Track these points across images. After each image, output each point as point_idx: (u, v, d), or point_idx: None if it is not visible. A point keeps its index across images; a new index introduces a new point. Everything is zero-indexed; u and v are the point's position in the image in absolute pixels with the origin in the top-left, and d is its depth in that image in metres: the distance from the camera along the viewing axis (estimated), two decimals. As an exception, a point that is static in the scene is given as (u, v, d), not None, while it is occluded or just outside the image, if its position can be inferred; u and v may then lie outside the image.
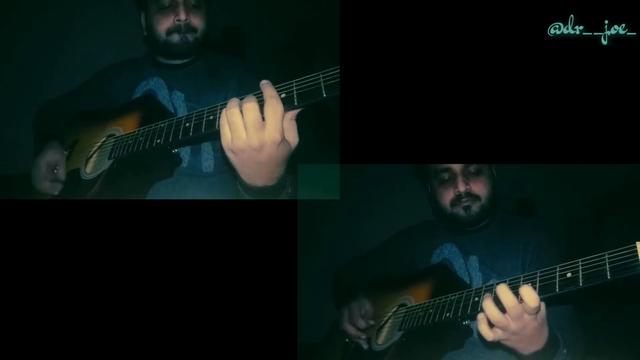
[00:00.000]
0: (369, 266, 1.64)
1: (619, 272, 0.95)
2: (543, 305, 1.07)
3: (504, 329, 1.06)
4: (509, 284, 1.08)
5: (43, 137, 1.46)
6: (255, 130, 0.94)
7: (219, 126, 1.02)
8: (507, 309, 1.05)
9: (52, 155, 1.38)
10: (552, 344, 1.14)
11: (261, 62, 1.55)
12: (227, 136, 0.97)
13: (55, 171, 1.37)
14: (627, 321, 2.08)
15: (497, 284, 1.15)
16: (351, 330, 1.46)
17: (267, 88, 0.97)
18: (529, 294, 1.04)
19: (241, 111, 0.96)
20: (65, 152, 1.40)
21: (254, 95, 0.98)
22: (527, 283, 1.07)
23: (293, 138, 1.00)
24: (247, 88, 1.34)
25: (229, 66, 1.47)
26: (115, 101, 1.43)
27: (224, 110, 0.98)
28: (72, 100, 1.53)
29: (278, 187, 1.06)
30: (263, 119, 0.96)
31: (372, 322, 1.45)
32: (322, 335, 1.61)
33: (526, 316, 1.05)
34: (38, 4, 2.02)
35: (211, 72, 1.45)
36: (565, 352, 1.17)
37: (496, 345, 1.27)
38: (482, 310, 1.08)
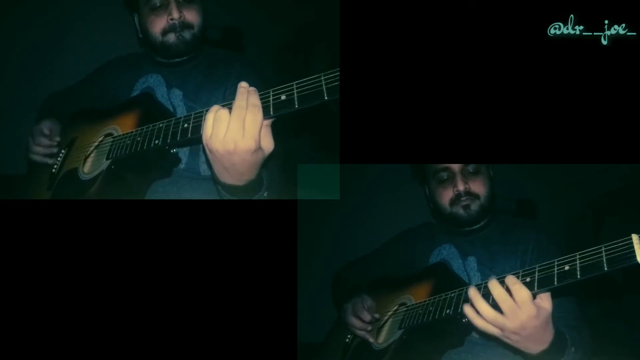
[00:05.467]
0: (368, 268, 1.64)
1: (615, 264, 0.97)
2: (548, 302, 1.07)
3: (501, 327, 1.06)
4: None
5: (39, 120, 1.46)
6: (233, 135, 0.97)
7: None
8: (499, 304, 1.05)
9: (47, 123, 1.40)
10: (559, 342, 1.13)
11: (260, 59, 1.53)
12: (207, 133, 1.00)
13: (49, 134, 1.38)
14: (628, 320, 2.09)
15: (499, 279, 1.15)
16: (356, 323, 1.45)
17: (252, 96, 0.99)
18: (513, 283, 1.05)
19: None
20: (63, 150, 1.40)
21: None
22: (525, 277, 1.07)
23: (268, 145, 1.02)
24: None
25: (228, 62, 1.45)
26: (114, 97, 1.42)
27: (209, 113, 1.01)
28: (73, 95, 1.53)
29: (248, 189, 1.09)
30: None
31: (377, 316, 1.45)
32: (322, 335, 1.61)
33: (522, 315, 1.04)
34: (37, 4, 2.02)
35: (210, 69, 1.44)
36: (573, 350, 1.17)
37: (499, 343, 1.27)
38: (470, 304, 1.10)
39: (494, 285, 1.06)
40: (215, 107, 1.01)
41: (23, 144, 1.44)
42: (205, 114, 1.03)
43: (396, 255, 1.59)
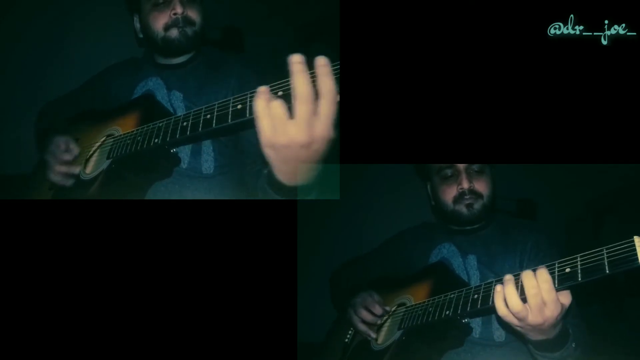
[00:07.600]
0: (367, 267, 1.64)
1: (617, 266, 0.96)
2: (567, 299, 1.06)
3: (522, 319, 1.05)
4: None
5: (44, 137, 1.45)
6: (307, 125, 0.84)
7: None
8: (528, 297, 1.03)
9: (60, 140, 1.33)
10: (562, 336, 1.13)
11: (260, 59, 1.53)
12: (267, 130, 0.86)
13: (68, 151, 1.32)
14: (628, 320, 2.08)
15: (497, 280, 1.15)
16: (368, 317, 1.44)
17: (328, 79, 0.85)
18: (544, 280, 1.02)
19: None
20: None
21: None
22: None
23: (333, 134, 0.89)
24: (248, 86, 1.34)
25: (228, 63, 1.46)
26: (115, 101, 1.43)
27: (259, 102, 0.87)
28: (73, 100, 1.53)
29: (310, 187, 0.98)
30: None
31: (387, 308, 1.45)
32: (322, 335, 1.61)
33: (547, 312, 1.03)
34: (37, 4, 2.02)
35: (210, 70, 1.44)
36: (574, 345, 1.17)
37: (500, 342, 1.27)
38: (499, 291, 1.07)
39: (529, 276, 1.04)
40: (263, 99, 0.86)
41: (23, 144, 1.44)
42: (253, 105, 0.88)
43: (395, 255, 1.59)
